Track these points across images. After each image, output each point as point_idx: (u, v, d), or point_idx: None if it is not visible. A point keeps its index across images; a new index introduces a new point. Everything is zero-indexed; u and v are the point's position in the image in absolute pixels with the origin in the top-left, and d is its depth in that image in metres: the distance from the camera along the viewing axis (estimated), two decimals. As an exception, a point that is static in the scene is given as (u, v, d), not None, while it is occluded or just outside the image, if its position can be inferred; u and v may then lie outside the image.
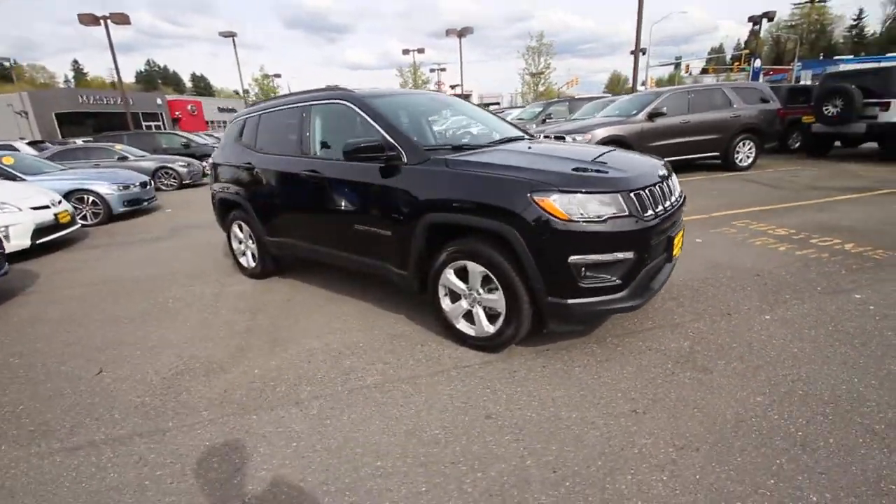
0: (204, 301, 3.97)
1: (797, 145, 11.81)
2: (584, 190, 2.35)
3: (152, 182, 9.58)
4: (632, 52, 32.45)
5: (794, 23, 64.92)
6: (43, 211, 5.97)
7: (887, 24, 58.89)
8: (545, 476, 1.81)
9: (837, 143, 10.89)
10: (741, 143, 9.14)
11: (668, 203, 2.67)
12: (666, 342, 2.75)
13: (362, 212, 3.14)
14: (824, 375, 2.33)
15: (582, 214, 2.32)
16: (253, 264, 4.40)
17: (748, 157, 9.30)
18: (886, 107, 8.98)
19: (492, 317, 2.71)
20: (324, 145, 3.49)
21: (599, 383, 2.40)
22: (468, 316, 2.82)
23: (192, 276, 4.71)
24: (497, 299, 2.60)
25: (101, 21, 19.96)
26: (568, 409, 2.20)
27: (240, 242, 4.49)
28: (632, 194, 2.39)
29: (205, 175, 13.73)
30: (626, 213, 2.36)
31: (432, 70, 35.33)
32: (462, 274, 2.75)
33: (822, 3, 63.33)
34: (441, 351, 2.84)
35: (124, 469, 2.02)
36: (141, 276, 4.82)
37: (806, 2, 63.11)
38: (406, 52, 32.24)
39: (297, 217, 3.73)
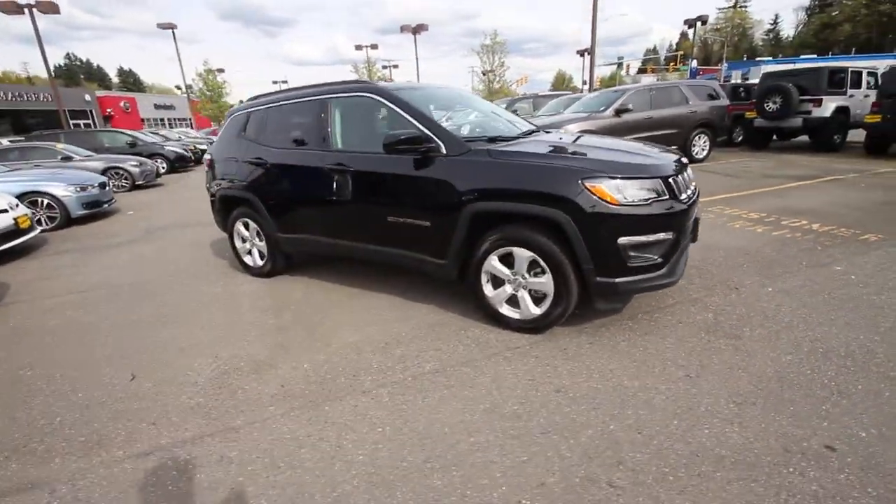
0: (220, 301, 3.83)
1: (740, 139, 12.89)
2: (630, 176, 2.54)
3: (109, 183, 8.92)
4: (580, 53, 33.85)
5: (719, 26, 70.13)
6: (1, 215, 5.44)
7: (799, 28, 65.03)
8: (632, 437, 1.97)
9: (775, 137, 12.01)
10: (697, 137, 9.87)
11: (690, 189, 2.92)
12: (692, 315, 3.01)
13: (397, 204, 3.17)
14: (834, 335, 2.66)
15: (629, 199, 2.50)
16: (260, 263, 4.28)
17: (703, 149, 10.05)
18: (819, 103, 10.03)
19: (536, 300, 2.85)
20: (348, 138, 3.48)
21: (647, 354, 2.60)
22: (511, 300, 2.94)
23: (192, 277, 4.50)
24: (545, 282, 2.74)
25: (26, 10, 18.09)
26: (629, 379, 2.38)
27: (244, 241, 4.35)
28: (669, 180, 2.61)
29: (158, 175, 12.92)
30: (667, 196, 2.58)
31: (384, 66, 35.03)
32: (506, 260, 2.87)
33: (744, 8, 68.90)
34: (486, 335, 2.95)
35: (210, 469, 1.97)
36: (136, 280, 4.54)
37: (730, 7, 68.29)
38: (359, 47, 31.78)
39: (318, 212, 3.67)
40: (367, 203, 3.33)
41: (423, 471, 1.87)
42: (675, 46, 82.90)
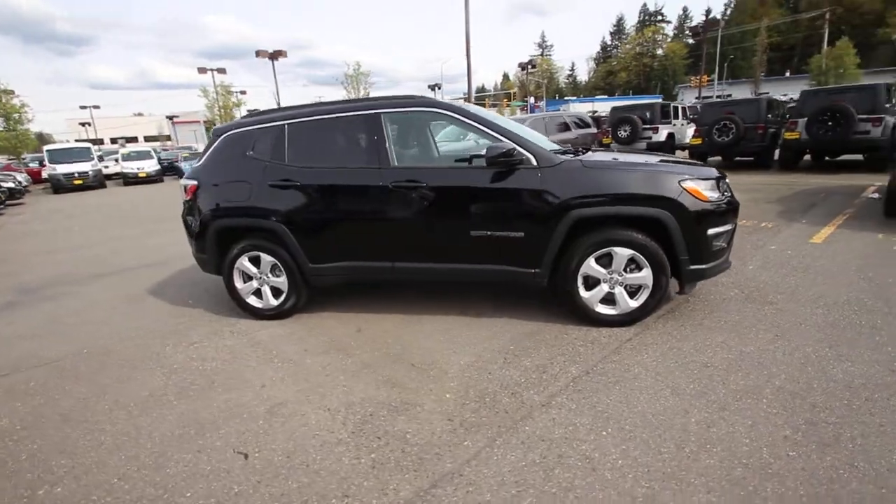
0: (259, 352, 3.16)
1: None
2: (706, 177, 3.02)
3: None
4: (431, 87, 36.33)
5: (531, 71, 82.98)
6: None
7: (591, 74, 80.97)
8: (796, 387, 2.34)
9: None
10: (579, 158, 11.59)
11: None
12: (724, 293, 3.64)
13: (484, 218, 3.13)
14: (831, 291, 3.54)
15: (712, 196, 2.98)
16: (274, 302, 3.65)
17: (584, 168, 11.83)
18: (656, 130, 12.75)
19: (630, 294, 3.12)
20: (411, 154, 3.30)
21: (733, 327, 3.07)
22: (608, 299, 3.15)
23: (174, 334, 3.59)
24: (644, 276, 3.03)
25: None
26: (744, 346, 2.80)
27: (248, 280, 3.67)
28: (720, 181, 3.18)
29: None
30: (729, 194, 3.14)
31: (241, 91, 32.04)
32: (602, 260, 3.08)
33: (549, 56, 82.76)
34: (589, 334, 3.08)
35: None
36: (108, 344, 3.46)
37: (538, 54, 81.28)
38: (203, 70, 28.38)
39: (373, 235, 3.35)
40: (445, 220, 3.20)
41: (693, 455, 1.93)
42: (499, 86, 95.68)
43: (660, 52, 73.15)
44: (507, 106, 51.13)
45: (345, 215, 3.37)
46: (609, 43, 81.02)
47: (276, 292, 3.66)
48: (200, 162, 3.73)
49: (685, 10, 78.13)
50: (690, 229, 2.92)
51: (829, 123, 9.21)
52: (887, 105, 9.08)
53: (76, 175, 18.05)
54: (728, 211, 3.08)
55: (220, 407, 2.54)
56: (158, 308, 4.22)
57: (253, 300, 3.71)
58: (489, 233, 3.14)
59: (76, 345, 3.52)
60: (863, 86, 9.76)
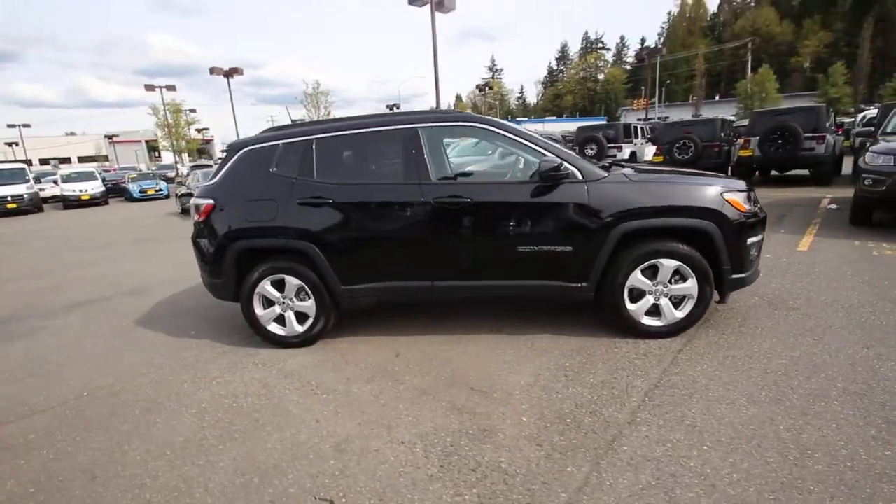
0: (296, 384, 2.90)
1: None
2: (742, 189, 3.14)
3: None
4: (389, 107, 36.56)
5: (480, 94, 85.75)
6: None
7: (539, 97, 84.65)
8: (885, 385, 2.44)
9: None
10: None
11: None
12: (754, 297, 3.78)
13: (532, 233, 3.08)
14: (826, 288, 3.76)
15: (748, 207, 3.10)
16: (299, 329, 3.40)
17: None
18: (620, 148, 13.40)
19: (675, 305, 3.16)
20: (451, 169, 3.21)
21: (771, 333, 3.17)
22: (653, 311, 3.17)
23: (185, 368, 3.24)
24: (689, 286, 3.08)
25: None
26: (792, 351, 2.89)
27: (269, 305, 3.39)
28: (754, 193, 3.32)
29: None
30: (759, 205, 3.28)
31: (180, 110, 30.36)
32: (647, 272, 3.11)
33: (500, 79, 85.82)
34: (638, 346, 3.08)
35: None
36: (111, 384, 3.04)
37: (489, 77, 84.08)
38: (151, 87, 26.75)
39: (413, 253, 3.21)
40: (490, 236, 3.12)
41: (800, 462, 1.93)
42: (453, 107, 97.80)
43: (601, 76, 77.88)
44: (463, 126, 52.22)
45: (382, 233, 3.21)
46: (555, 67, 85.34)
47: (301, 318, 3.41)
48: (215, 180, 3.44)
49: (622, 38, 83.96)
50: (732, 239, 3.02)
51: (780, 142, 10.04)
52: (827, 125, 10.06)
53: (9, 199, 16.38)
54: (760, 221, 3.21)
55: (277, 448, 2.28)
56: (158, 341, 3.82)
57: (275, 327, 3.43)
58: (537, 248, 3.09)
59: (71, 387, 3.09)
60: (807, 107, 10.75)
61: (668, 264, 3.05)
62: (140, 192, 19.84)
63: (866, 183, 5.53)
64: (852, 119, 20.94)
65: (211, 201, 3.36)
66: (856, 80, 46.17)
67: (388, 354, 3.26)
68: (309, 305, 3.35)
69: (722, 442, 2.11)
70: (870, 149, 5.77)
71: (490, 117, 3.31)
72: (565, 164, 3.02)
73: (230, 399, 2.79)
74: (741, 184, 3.22)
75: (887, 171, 5.30)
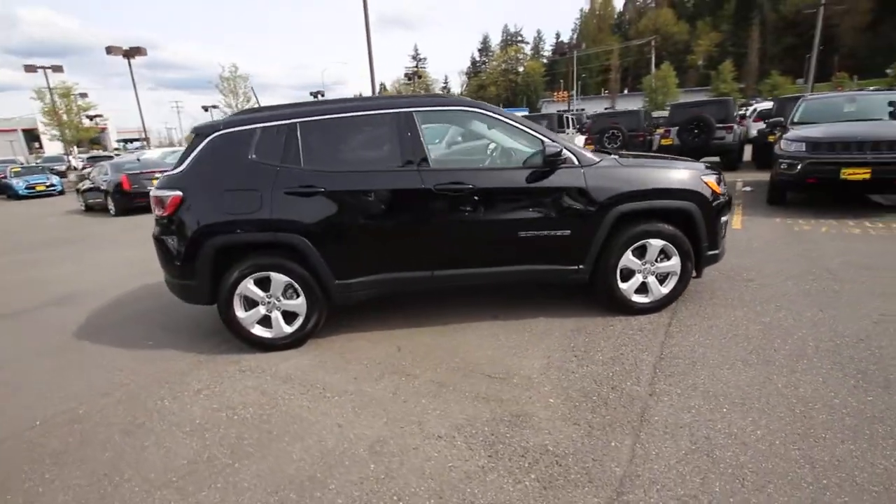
0: (300, 388, 2.68)
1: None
2: (714, 172, 3.41)
3: None
4: (314, 94, 35.01)
5: (407, 82, 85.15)
6: None
7: (463, 87, 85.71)
8: (847, 341, 2.77)
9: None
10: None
11: None
12: (713, 272, 4.13)
13: (533, 218, 3.10)
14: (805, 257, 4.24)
15: (720, 189, 3.37)
16: (288, 329, 3.15)
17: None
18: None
19: (659, 282, 3.37)
20: (449, 155, 3.12)
21: (739, 303, 3.49)
22: (641, 289, 3.35)
23: (175, 381, 2.88)
24: (673, 264, 3.29)
25: None
26: (762, 317, 3.20)
27: (252, 305, 3.10)
28: (721, 176, 3.62)
29: None
30: (725, 187, 3.58)
31: (69, 94, 26.24)
32: (635, 252, 3.27)
33: (424, 69, 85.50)
34: (632, 322, 3.24)
35: None
36: (68, 410, 2.59)
37: (414, 66, 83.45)
38: (32, 69, 22.70)
39: (413, 242, 3.09)
40: (493, 222, 3.10)
41: (807, 414, 2.15)
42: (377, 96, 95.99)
43: (521, 69, 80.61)
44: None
45: (379, 223, 3.05)
46: (478, 59, 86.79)
47: (289, 317, 3.16)
48: (181, 168, 3.04)
49: (539, 32, 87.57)
50: (709, 219, 3.27)
51: (696, 131, 11.08)
52: (735, 116, 11.27)
53: None
54: (728, 202, 3.51)
55: (306, 458, 2.10)
56: (111, 356, 3.33)
57: (259, 330, 3.15)
58: (537, 233, 3.12)
59: (17, 418, 2.60)
60: (719, 100, 11.96)
61: (656, 244, 3.23)
62: (27, 188, 17.18)
63: (782, 167, 6.28)
64: (742, 112, 23.71)
65: (179, 193, 2.97)
66: (747, 77, 52.20)
67: (388, 349, 3.13)
68: (298, 304, 3.11)
69: (736, 403, 2.29)
70: (783, 136, 6.55)
71: (485, 103, 3.26)
72: (564, 148, 3.08)
73: (227, 412, 2.51)
74: (712, 168, 3.50)
75: (800, 156, 6.06)
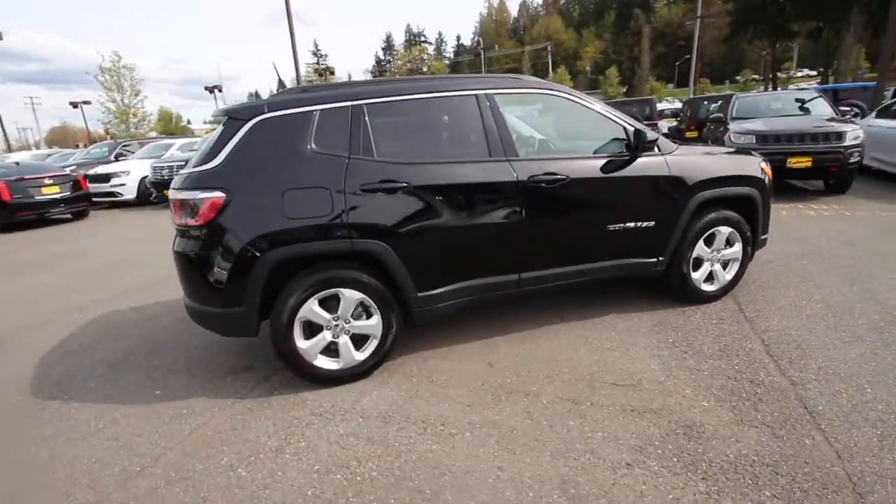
0: (407, 428, 2.20)
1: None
2: (766, 159, 3.50)
3: None
4: (209, 89, 31.95)
5: (311, 79, 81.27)
6: None
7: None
8: None
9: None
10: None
11: None
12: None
13: (621, 209, 2.92)
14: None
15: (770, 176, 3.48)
16: (360, 356, 2.60)
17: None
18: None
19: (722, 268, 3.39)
20: (532, 143, 2.79)
21: (788, 281, 3.66)
22: (708, 277, 3.34)
23: (226, 441, 2.19)
24: (736, 251, 3.33)
25: None
26: (822, 292, 3.37)
27: (311, 335, 2.50)
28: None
29: None
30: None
31: None
32: (706, 241, 3.25)
33: (325, 65, 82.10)
34: (706, 311, 3.22)
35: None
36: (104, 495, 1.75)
37: (315, 62, 79.80)
38: None
39: (502, 241, 2.72)
40: (584, 215, 2.86)
41: (949, 385, 2.24)
42: (276, 93, 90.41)
43: (426, 69, 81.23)
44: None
45: (467, 221, 2.64)
46: (382, 57, 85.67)
47: (360, 342, 2.61)
48: (215, 163, 2.33)
49: (440, 34, 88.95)
50: (765, 204, 3.37)
51: (628, 128, 11.94)
52: (657, 113, 12.35)
53: None
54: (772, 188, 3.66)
55: (492, 517, 1.67)
56: (109, 418, 2.48)
57: (324, 361, 2.55)
58: (624, 225, 2.95)
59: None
60: (644, 99, 12.97)
61: (724, 231, 3.24)
62: None
63: (735, 158, 6.91)
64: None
65: (220, 194, 2.27)
66: (635, 81, 58.03)
67: (478, 367, 2.74)
68: (371, 324, 2.58)
69: (875, 381, 2.31)
70: (732, 130, 7.20)
71: (562, 86, 2.99)
72: (649, 135, 2.93)
73: (342, 473, 1.96)
74: (760, 155, 3.61)
75: (750, 147, 6.70)
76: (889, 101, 8.67)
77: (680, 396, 2.33)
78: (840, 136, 6.28)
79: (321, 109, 2.46)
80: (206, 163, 2.36)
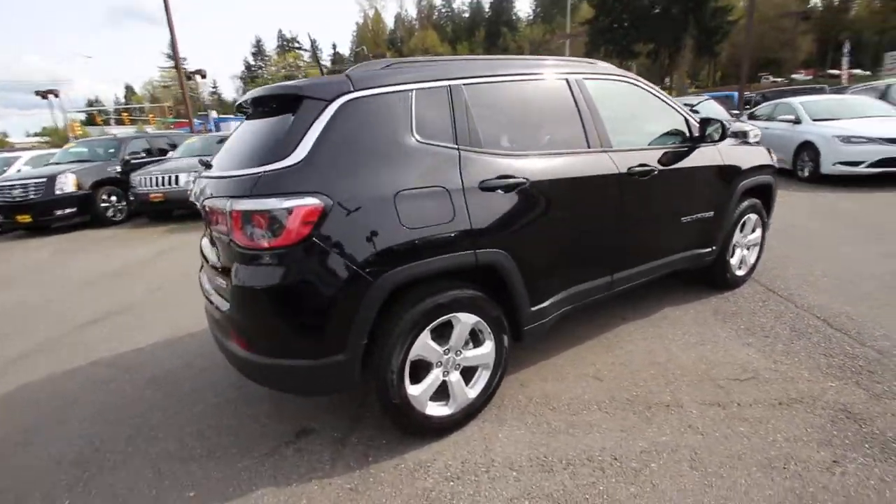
0: (589, 475, 1.82)
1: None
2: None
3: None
4: (42, 94, 26.70)
5: (167, 84, 71.90)
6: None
7: (239, 92, 77.24)
8: None
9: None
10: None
11: None
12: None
13: (692, 201, 2.87)
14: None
15: (774, 163, 3.76)
16: (472, 394, 2.12)
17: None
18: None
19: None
20: (616, 133, 2.56)
21: (802, 250, 4.00)
22: (739, 263, 3.48)
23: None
24: (757, 236, 3.53)
25: None
26: (852, 253, 3.73)
27: (421, 371, 1.96)
28: None
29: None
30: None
31: None
32: (741, 228, 3.38)
33: (184, 69, 73.35)
34: (745, 294, 3.34)
35: None
36: None
37: (171, 66, 70.84)
38: None
39: (601, 241, 2.46)
40: (667, 208, 2.75)
41: None
42: (123, 100, 78.51)
43: (302, 77, 77.53)
44: (155, 121, 42.80)
45: (577, 219, 2.33)
46: (253, 63, 79.58)
47: (469, 376, 2.13)
48: (297, 157, 1.66)
49: (313, 42, 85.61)
50: (775, 189, 3.63)
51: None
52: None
53: None
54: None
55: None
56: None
57: (435, 408, 2.02)
58: (694, 216, 2.91)
59: None
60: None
61: (752, 218, 3.41)
62: None
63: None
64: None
65: (316, 201, 1.62)
66: None
67: (587, 384, 2.43)
68: (485, 352, 2.12)
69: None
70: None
71: (629, 73, 2.83)
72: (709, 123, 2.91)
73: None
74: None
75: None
76: (756, 108, 10.40)
77: (805, 381, 2.31)
78: (744, 134, 7.28)
79: (417, 89, 1.94)
80: (276, 158, 1.68)
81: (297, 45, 79.33)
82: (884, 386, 2.21)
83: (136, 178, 8.39)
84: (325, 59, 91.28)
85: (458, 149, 1.97)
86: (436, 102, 1.98)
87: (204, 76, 28.23)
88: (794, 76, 41.46)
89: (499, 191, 2.01)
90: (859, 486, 1.66)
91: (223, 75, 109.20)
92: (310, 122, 1.74)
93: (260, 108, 2.02)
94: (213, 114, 28.95)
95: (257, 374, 1.85)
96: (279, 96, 1.88)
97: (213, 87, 79.22)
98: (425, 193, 1.83)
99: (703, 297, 3.37)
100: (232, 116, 57.14)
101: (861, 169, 6.69)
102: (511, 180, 2.04)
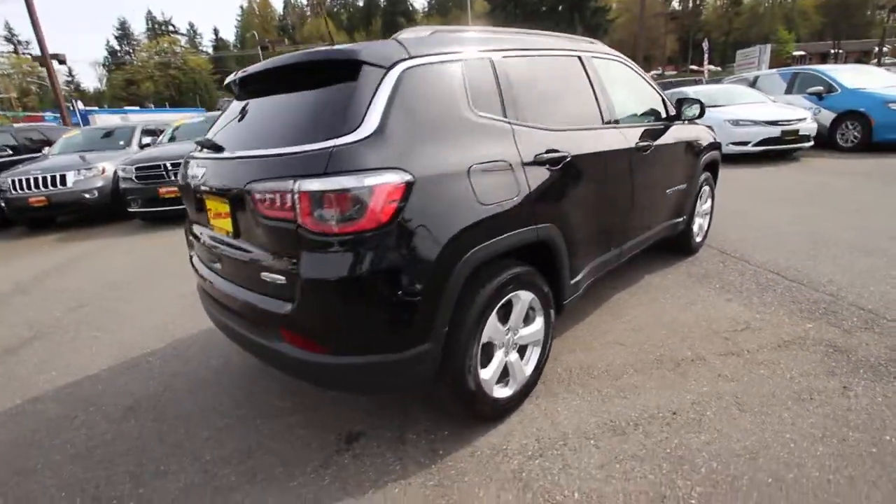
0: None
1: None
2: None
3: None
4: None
5: (6, 72, 59.85)
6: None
7: (104, 82, 67.17)
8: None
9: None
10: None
11: None
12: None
13: (675, 174, 3.13)
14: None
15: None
16: (528, 372, 2.10)
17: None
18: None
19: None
20: (618, 109, 2.67)
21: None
22: (698, 230, 3.88)
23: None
24: (709, 206, 3.97)
25: None
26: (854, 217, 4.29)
27: (491, 355, 1.90)
28: None
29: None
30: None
31: None
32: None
33: (27, 55, 61.78)
34: (708, 254, 3.74)
35: None
36: None
37: (11, 52, 59.32)
38: None
39: (615, 214, 2.57)
40: (658, 181, 2.96)
41: (903, 273, 3.15)
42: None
43: (182, 63, 69.73)
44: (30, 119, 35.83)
45: (605, 193, 2.42)
46: (118, 48, 69.51)
47: (525, 352, 2.11)
48: (369, 128, 1.47)
49: (192, 25, 77.48)
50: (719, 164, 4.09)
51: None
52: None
53: None
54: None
55: None
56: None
57: (497, 390, 1.96)
58: (674, 188, 3.17)
59: None
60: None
61: (706, 190, 3.82)
62: None
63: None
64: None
65: (399, 177, 1.46)
66: None
67: (615, 350, 2.55)
68: (537, 329, 2.12)
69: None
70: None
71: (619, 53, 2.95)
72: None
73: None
74: None
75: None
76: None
77: (788, 326, 2.65)
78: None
79: (465, 60, 1.84)
80: (345, 131, 1.48)
81: (171, 28, 70.96)
82: (849, 322, 2.62)
83: (5, 179, 6.93)
84: (206, 45, 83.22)
85: (509, 122, 1.91)
86: (483, 74, 1.89)
87: (63, 62, 24.07)
88: (665, 72, 47.15)
89: (546, 165, 2.00)
90: (872, 404, 1.96)
91: (80, 62, 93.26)
92: (372, 88, 1.56)
93: (292, 76, 1.75)
94: (80, 104, 24.71)
95: (325, 377, 1.64)
96: (325, 62, 1.66)
97: (70, 76, 67.85)
98: (493, 168, 1.76)
99: (673, 264, 3.70)
100: (96, 108, 49.58)
101: (749, 147, 7.83)
102: (557, 154, 2.04)
